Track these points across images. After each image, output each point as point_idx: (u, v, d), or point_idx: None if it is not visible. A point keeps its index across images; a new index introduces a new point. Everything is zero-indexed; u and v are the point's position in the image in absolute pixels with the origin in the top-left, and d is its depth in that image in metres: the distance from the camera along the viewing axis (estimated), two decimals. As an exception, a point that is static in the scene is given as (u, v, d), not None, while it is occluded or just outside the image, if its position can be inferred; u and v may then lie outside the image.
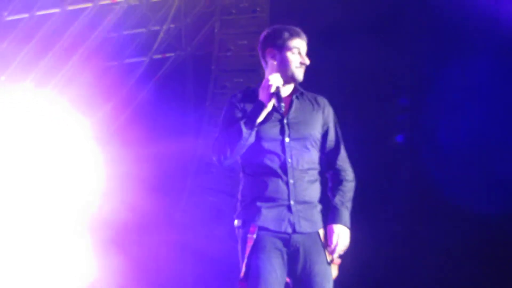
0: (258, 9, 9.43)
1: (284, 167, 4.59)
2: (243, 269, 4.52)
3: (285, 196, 4.57)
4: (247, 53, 9.43)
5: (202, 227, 9.35)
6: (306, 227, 4.58)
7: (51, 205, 8.87)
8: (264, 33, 4.83)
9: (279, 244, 4.55)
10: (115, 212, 8.93)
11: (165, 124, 9.53)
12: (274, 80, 4.53)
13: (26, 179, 8.73)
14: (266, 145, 4.58)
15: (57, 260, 8.85)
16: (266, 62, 4.77)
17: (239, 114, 4.60)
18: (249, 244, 4.54)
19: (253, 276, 4.49)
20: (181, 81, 9.90)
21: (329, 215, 4.67)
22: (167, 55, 9.88)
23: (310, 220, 4.60)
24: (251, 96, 4.64)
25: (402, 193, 8.92)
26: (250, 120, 4.49)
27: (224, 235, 9.13)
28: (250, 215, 4.61)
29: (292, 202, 4.57)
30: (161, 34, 9.75)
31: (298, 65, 4.69)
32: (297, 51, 4.69)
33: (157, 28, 9.77)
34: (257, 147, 4.57)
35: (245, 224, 4.62)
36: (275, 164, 4.59)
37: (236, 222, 4.73)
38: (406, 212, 8.88)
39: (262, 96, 4.52)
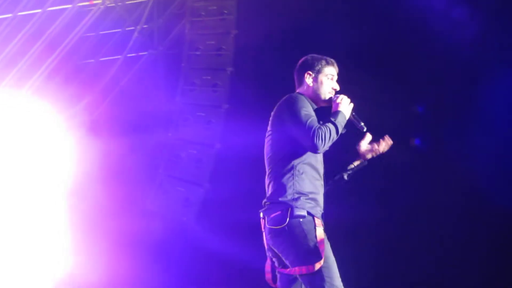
0: (225, 11, 9.76)
1: (323, 177, 5.29)
2: (321, 249, 4.96)
3: (323, 204, 5.22)
4: (215, 52, 9.76)
5: (171, 216, 9.71)
6: None
7: (27, 196, 9.11)
8: (304, 58, 5.46)
9: None
10: (89, 201, 9.28)
11: (137, 118, 9.90)
12: (348, 100, 5.26)
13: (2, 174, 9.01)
14: (319, 156, 5.24)
15: (34, 250, 9.08)
16: (302, 83, 5.41)
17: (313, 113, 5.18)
18: (320, 234, 5.02)
19: (332, 263, 5.02)
20: (153, 78, 10.14)
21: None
22: (141, 53, 10.15)
23: None
24: (310, 104, 5.23)
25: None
26: (341, 125, 5.13)
27: (191, 223, 9.60)
28: (312, 209, 5.09)
29: (323, 211, 5.22)
30: (135, 34, 10.01)
31: (330, 89, 5.35)
32: (331, 77, 5.37)
33: (131, 28, 10.04)
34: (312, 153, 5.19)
35: (310, 216, 5.06)
36: (321, 173, 5.26)
37: (299, 211, 5.03)
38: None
39: (344, 110, 5.19)
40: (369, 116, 5.52)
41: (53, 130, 9.27)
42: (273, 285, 5.25)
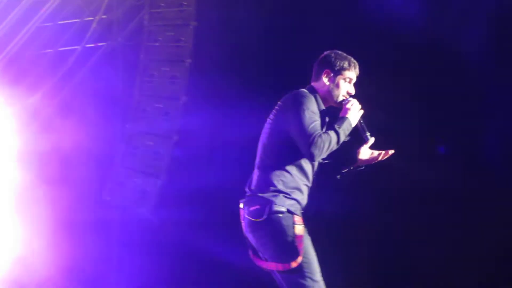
0: (185, 3, 9.71)
1: (311, 180, 5.25)
2: (300, 246, 4.96)
3: (304, 206, 5.21)
4: (174, 44, 9.72)
5: (128, 207, 9.72)
6: None
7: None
8: (327, 53, 5.36)
9: None
10: (43, 192, 9.15)
11: (94, 110, 9.83)
12: (359, 106, 5.22)
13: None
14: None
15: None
16: (318, 78, 5.32)
17: (318, 115, 5.12)
18: (299, 231, 5.00)
19: (312, 259, 5.03)
20: (111, 69, 10.05)
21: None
22: (99, 44, 10.04)
23: None
24: (317, 101, 5.19)
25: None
26: (344, 133, 5.10)
27: (148, 214, 9.58)
28: (292, 206, 5.06)
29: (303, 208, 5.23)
30: (94, 24, 9.92)
31: (345, 93, 5.29)
32: (349, 80, 5.30)
33: (90, 18, 9.94)
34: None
35: (289, 213, 5.04)
36: (310, 176, 5.22)
37: (278, 208, 5.02)
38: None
39: (352, 117, 5.15)
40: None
41: (6, 122, 9.18)
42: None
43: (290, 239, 4.96)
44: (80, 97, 9.88)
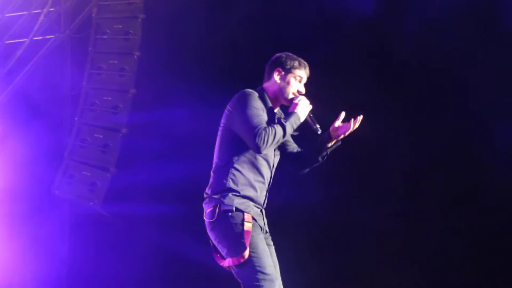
0: None
1: (269, 177, 5.35)
2: (247, 241, 5.04)
3: (262, 202, 5.31)
4: (122, 36, 9.67)
5: (77, 201, 9.65)
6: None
7: None
8: (279, 54, 5.48)
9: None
10: None
11: (43, 103, 9.84)
12: (308, 103, 5.32)
13: None
14: (268, 154, 5.29)
15: None
16: (270, 78, 5.44)
17: (264, 112, 5.22)
18: (247, 228, 5.07)
19: (261, 252, 5.11)
20: (59, 61, 10.03)
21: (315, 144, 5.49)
22: (47, 37, 9.97)
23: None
24: (264, 101, 5.31)
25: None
26: (291, 126, 5.19)
27: (98, 207, 9.56)
28: (241, 205, 5.14)
29: (264, 207, 5.33)
30: (42, 17, 9.84)
31: (295, 90, 5.40)
32: (299, 79, 5.42)
33: (38, 11, 9.86)
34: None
35: (238, 211, 5.11)
36: (265, 173, 5.30)
37: (227, 207, 5.11)
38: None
39: (300, 112, 5.26)
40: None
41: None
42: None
43: (238, 235, 5.05)
44: (28, 89, 9.83)
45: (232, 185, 5.16)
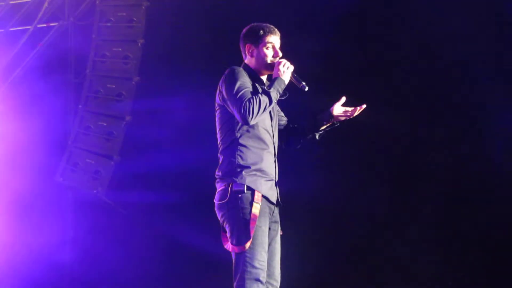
0: None
1: (273, 146, 5.32)
2: (251, 232, 5.01)
3: (273, 172, 5.28)
4: (126, 24, 9.66)
5: (81, 188, 9.67)
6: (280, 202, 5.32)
7: None
8: (244, 30, 5.42)
9: (270, 212, 5.22)
10: None
11: (47, 90, 9.76)
12: (289, 64, 5.26)
13: None
14: (262, 123, 5.25)
15: None
16: (246, 55, 5.41)
17: (251, 84, 5.18)
18: (255, 210, 5.05)
19: (258, 244, 5.05)
20: (63, 49, 10.00)
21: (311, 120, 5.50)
22: (51, 24, 9.98)
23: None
24: (251, 75, 5.27)
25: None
26: (277, 91, 5.15)
27: (101, 195, 9.57)
28: (253, 182, 5.12)
29: (276, 179, 5.29)
30: (46, 4, 9.85)
31: (271, 58, 5.34)
32: (271, 45, 5.35)
33: (42, -2, 9.84)
34: (257, 123, 5.20)
35: (249, 190, 5.09)
36: (269, 142, 5.27)
37: (238, 186, 5.08)
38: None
39: (283, 75, 5.20)
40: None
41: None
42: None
43: (244, 221, 5.03)
44: (32, 77, 9.80)
45: (241, 161, 5.13)
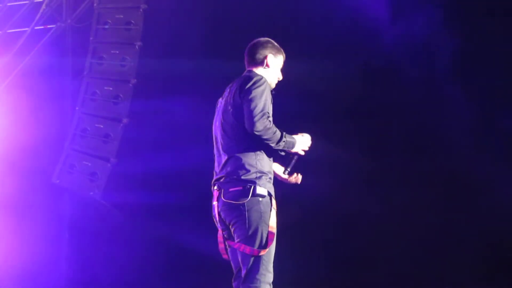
0: None
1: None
2: (273, 237, 5.09)
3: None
4: (124, 26, 9.67)
5: (78, 190, 9.65)
6: None
7: None
8: (265, 39, 5.50)
9: None
10: None
11: (44, 92, 9.77)
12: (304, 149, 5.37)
13: None
14: None
15: None
16: (262, 62, 5.42)
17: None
18: (273, 221, 5.13)
19: (273, 250, 5.13)
20: (61, 51, 10.00)
21: None
22: (49, 26, 9.97)
23: None
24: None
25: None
26: (285, 144, 5.20)
27: (98, 197, 9.56)
28: (271, 189, 5.20)
29: None
30: (43, 6, 9.86)
31: (278, 77, 5.48)
32: (281, 66, 5.50)
33: (40, 0, 9.88)
34: None
35: (269, 196, 5.17)
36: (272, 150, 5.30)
37: (261, 191, 5.13)
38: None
39: (296, 148, 5.28)
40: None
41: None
42: (225, 256, 5.29)
43: (264, 227, 5.08)
44: (29, 79, 9.79)
45: (262, 167, 5.18)
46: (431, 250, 8.96)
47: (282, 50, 5.50)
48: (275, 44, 5.48)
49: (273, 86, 5.42)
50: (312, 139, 5.39)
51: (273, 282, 5.13)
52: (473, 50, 8.80)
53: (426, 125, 9.08)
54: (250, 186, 5.10)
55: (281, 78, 5.48)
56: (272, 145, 5.13)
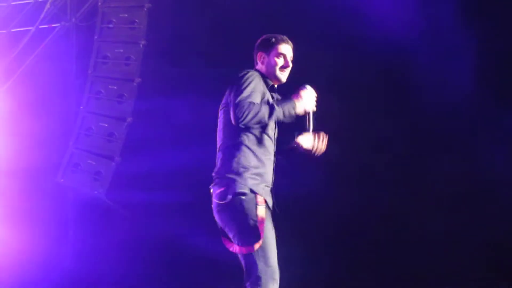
0: None
1: (273, 155, 5.34)
2: (261, 232, 5.02)
3: (271, 180, 5.30)
4: (128, 25, 9.66)
5: (82, 189, 9.64)
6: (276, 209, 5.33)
7: None
8: (264, 36, 5.48)
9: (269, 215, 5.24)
10: None
11: (49, 91, 9.82)
12: (313, 97, 5.27)
13: None
14: (267, 130, 5.26)
15: None
16: (256, 62, 5.47)
17: (264, 93, 5.20)
18: (261, 213, 5.07)
19: (269, 244, 5.09)
20: (65, 50, 10.02)
21: None
22: (53, 25, 9.99)
23: None
24: (266, 85, 5.31)
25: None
26: (283, 113, 5.12)
27: (102, 196, 9.56)
28: (254, 186, 5.14)
29: (272, 186, 5.31)
30: (48, 5, 9.87)
31: (280, 67, 5.39)
32: (282, 55, 5.40)
33: (44, -1, 9.85)
34: (265, 128, 5.22)
35: (252, 193, 5.12)
36: (271, 150, 5.30)
37: (241, 189, 5.09)
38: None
39: (300, 102, 5.19)
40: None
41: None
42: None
43: (251, 222, 5.04)
44: (34, 78, 9.82)
45: (245, 163, 5.13)
46: (431, 250, 8.94)
47: (278, 39, 5.41)
48: (268, 36, 5.45)
49: (281, 77, 5.40)
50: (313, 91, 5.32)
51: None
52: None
53: (432, 125, 9.05)
54: (230, 185, 5.08)
55: (289, 65, 5.42)
56: (269, 121, 5.11)
